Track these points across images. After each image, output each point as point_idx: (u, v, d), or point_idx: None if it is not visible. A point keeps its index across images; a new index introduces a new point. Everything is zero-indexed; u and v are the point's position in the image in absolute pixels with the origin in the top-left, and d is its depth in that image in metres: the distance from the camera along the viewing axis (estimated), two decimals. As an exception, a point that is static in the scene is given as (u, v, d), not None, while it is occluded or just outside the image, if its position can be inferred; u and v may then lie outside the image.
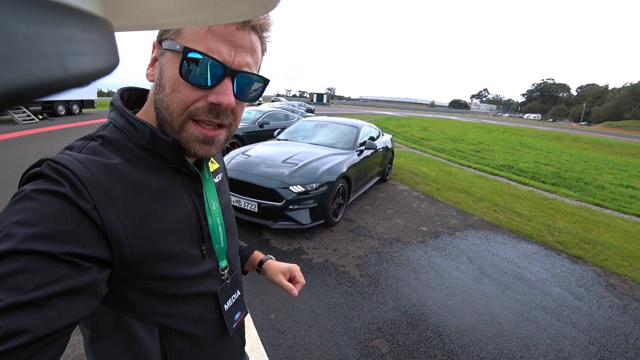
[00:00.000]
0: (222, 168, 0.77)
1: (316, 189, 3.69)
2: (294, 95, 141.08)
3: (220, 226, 0.65)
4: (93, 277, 0.43)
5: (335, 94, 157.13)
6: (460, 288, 2.95)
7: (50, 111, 15.31)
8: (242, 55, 0.52)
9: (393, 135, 8.51)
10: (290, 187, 3.61)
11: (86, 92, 17.97)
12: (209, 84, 0.50)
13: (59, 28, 0.13)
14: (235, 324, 0.70)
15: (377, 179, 5.99)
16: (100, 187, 0.45)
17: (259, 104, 31.85)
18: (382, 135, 6.48)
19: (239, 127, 7.12)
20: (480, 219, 4.78)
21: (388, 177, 6.56)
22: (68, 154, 0.48)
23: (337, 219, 4.16)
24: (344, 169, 4.17)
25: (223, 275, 0.66)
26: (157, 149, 0.54)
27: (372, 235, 3.95)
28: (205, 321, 0.63)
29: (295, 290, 0.83)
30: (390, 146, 6.43)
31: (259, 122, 8.12)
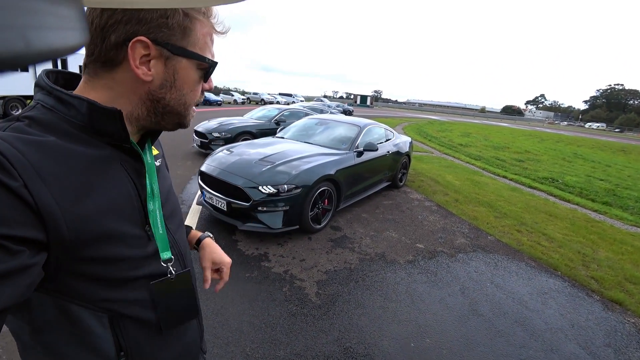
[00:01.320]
0: (162, 154, 0.73)
1: (288, 191, 3.23)
2: (340, 97, 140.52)
3: (158, 210, 0.60)
4: (25, 260, 0.39)
5: (382, 96, 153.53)
6: (436, 327, 2.29)
7: None
8: None
9: (430, 140, 7.69)
10: (260, 187, 3.19)
11: None
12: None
13: None
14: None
15: (385, 184, 5.32)
16: (29, 164, 0.41)
17: (293, 102, 32.11)
18: (396, 137, 5.77)
19: (252, 123, 6.96)
20: (496, 240, 3.92)
21: (402, 184, 5.84)
22: None
23: (319, 226, 3.65)
24: (330, 171, 3.64)
25: (166, 267, 0.60)
26: (95, 123, 0.49)
27: (354, 248, 3.37)
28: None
29: (208, 284, 0.81)
30: (405, 150, 5.70)
31: (275, 120, 7.85)
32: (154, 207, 0.59)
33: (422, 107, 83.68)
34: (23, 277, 0.39)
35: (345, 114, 24.29)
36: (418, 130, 17.90)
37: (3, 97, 10.36)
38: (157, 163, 0.67)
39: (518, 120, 65.20)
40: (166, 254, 0.61)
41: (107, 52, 0.50)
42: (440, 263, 3.21)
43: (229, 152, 3.92)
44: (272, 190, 3.20)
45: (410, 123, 23.88)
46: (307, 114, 8.82)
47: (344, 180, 3.90)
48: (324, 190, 3.63)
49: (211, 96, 30.76)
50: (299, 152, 3.91)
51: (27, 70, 9.62)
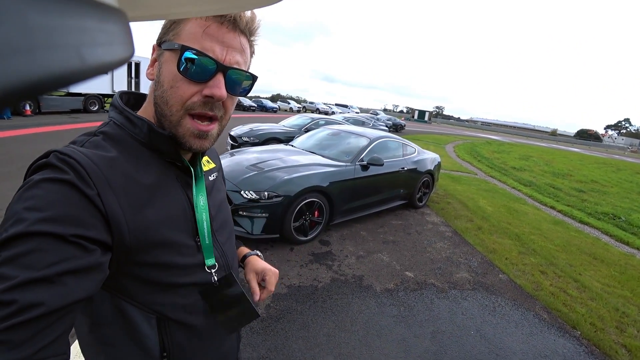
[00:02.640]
0: (219, 168, 0.75)
1: (269, 198, 3.09)
2: (401, 111, 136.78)
3: (205, 222, 0.62)
4: (97, 258, 0.44)
5: (444, 112, 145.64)
6: (381, 373, 1.92)
7: None
8: (233, 54, 0.54)
9: (479, 161, 6.98)
10: (242, 192, 3.11)
11: None
12: (204, 78, 0.52)
13: (75, 19, 0.13)
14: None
15: (399, 202, 4.87)
16: (102, 176, 0.47)
17: (333, 113, 31.80)
18: (419, 153, 5.28)
19: (281, 130, 7.06)
20: (509, 280, 3.28)
21: (421, 204, 5.30)
22: (72, 146, 0.49)
23: (305, 238, 3.44)
24: (320, 183, 3.42)
25: (209, 273, 0.63)
26: (154, 142, 0.54)
27: (332, 266, 3.09)
28: (202, 312, 0.61)
29: (257, 294, 0.78)
30: (427, 168, 5.17)
31: (305, 128, 7.83)
32: (201, 219, 0.61)
33: (485, 126, 77.17)
34: (96, 272, 0.44)
35: (397, 129, 23.51)
36: (470, 149, 16.44)
37: (84, 95, 12.17)
38: (212, 177, 0.69)
39: (593, 147, 55.87)
40: (210, 261, 0.62)
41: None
42: (424, 297, 2.76)
43: (230, 156, 3.94)
44: (253, 195, 3.10)
45: (464, 142, 22.12)
46: (335, 124, 8.65)
47: (338, 194, 3.63)
48: (313, 202, 3.42)
49: (268, 103, 32.37)
50: (295, 161, 3.76)
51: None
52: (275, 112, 30.79)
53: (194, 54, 0.50)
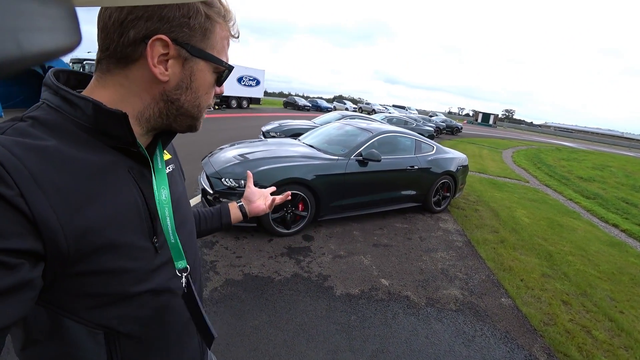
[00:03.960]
0: (175, 159, 0.67)
1: (244, 186, 2.96)
2: (466, 114, 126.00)
3: (168, 217, 0.54)
4: (25, 274, 0.36)
5: (514, 116, 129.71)
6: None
7: (224, 104, 19.22)
8: None
9: (538, 168, 6.07)
10: (223, 179, 3.04)
11: (255, 91, 21.68)
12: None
13: (10, 1, 0.11)
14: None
15: (409, 204, 4.33)
16: (26, 172, 0.37)
17: (373, 112, 30.65)
18: (438, 152, 4.62)
19: (307, 126, 7.17)
20: (512, 306, 2.62)
21: (439, 208, 4.65)
22: None
23: (287, 231, 3.23)
24: (303, 176, 3.17)
25: (180, 279, 0.56)
26: (101, 125, 0.45)
27: (303, 262, 2.83)
28: (158, 322, 0.53)
29: (274, 198, 0.93)
30: (446, 169, 4.50)
31: (333, 124, 7.56)
32: (164, 215, 0.53)
33: (559, 131, 66.38)
34: (25, 292, 0.36)
35: (452, 132, 21.62)
36: (533, 156, 14.26)
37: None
38: (169, 169, 0.61)
39: None
40: (181, 263, 0.56)
41: (123, 48, 0.45)
42: (387, 310, 2.33)
43: (230, 147, 3.91)
44: (232, 183, 3.00)
45: (529, 147, 19.34)
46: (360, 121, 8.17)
47: (325, 189, 3.34)
48: (296, 194, 3.19)
49: (323, 103, 32.56)
50: (287, 152, 3.57)
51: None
52: (329, 111, 30.91)
53: (231, 70, 0.54)
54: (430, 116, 26.08)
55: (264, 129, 7.35)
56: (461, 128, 23.18)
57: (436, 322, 2.28)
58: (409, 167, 4.09)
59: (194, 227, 0.68)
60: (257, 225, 3.12)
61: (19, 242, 0.35)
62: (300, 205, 3.29)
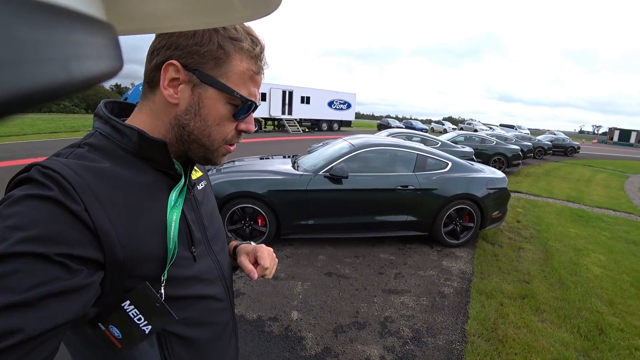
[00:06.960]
0: (205, 176, 0.68)
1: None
2: (604, 133, 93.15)
3: (173, 228, 0.56)
4: (84, 278, 0.38)
5: None
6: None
7: (316, 127, 19.13)
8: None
9: None
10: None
11: (346, 114, 21.19)
12: (245, 118, 0.54)
13: (63, 32, 0.12)
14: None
15: (406, 233, 3.42)
16: (89, 190, 0.41)
17: (445, 131, 26.10)
18: (452, 169, 3.53)
19: None
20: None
21: (455, 241, 3.50)
22: (56, 159, 0.43)
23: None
24: (257, 190, 3.00)
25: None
26: (144, 151, 0.49)
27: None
28: (202, 324, 0.56)
29: (254, 272, 0.63)
30: (465, 191, 3.39)
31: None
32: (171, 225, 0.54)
33: None
34: (84, 293, 0.39)
35: (566, 153, 16.48)
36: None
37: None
38: (200, 186, 0.63)
39: None
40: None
41: (149, 73, 0.50)
42: (260, 345, 1.87)
43: (238, 160, 4.01)
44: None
45: None
46: (410, 137, 7.06)
47: (283, 206, 3.05)
48: (252, 209, 3.04)
49: (418, 124, 30.49)
50: (263, 167, 3.46)
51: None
52: (425, 131, 28.75)
53: (251, 105, 0.52)
54: (553, 134, 20.50)
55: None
56: (578, 148, 17.22)
57: (307, 381, 1.68)
58: (399, 187, 3.29)
59: (225, 239, 0.69)
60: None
61: (82, 251, 0.38)
62: (260, 220, 3.11)
